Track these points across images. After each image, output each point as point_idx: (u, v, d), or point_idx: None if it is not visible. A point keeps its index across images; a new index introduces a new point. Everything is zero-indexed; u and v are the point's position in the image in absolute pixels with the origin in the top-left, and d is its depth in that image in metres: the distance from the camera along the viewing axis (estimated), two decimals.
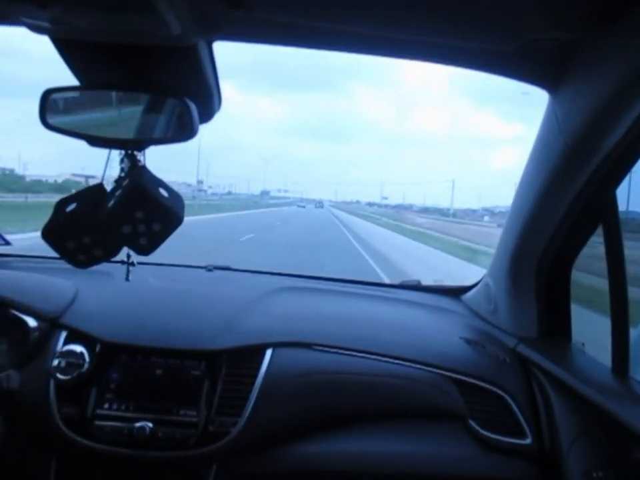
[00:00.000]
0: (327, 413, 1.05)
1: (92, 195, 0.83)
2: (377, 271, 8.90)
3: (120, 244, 0.83)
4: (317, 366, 1.08)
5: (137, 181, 0.78)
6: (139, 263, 0.94)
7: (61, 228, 0.82)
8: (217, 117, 0.90)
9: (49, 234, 0.81)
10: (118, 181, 0.80)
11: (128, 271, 0.90)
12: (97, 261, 0.85)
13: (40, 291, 1.21)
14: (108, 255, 0.85)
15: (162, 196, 0.79)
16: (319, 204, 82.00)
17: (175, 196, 0.82)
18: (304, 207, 70.41)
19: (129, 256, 0.87)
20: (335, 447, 1.03)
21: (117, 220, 0.79)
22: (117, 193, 0.78)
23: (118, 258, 0.88)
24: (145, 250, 0.82)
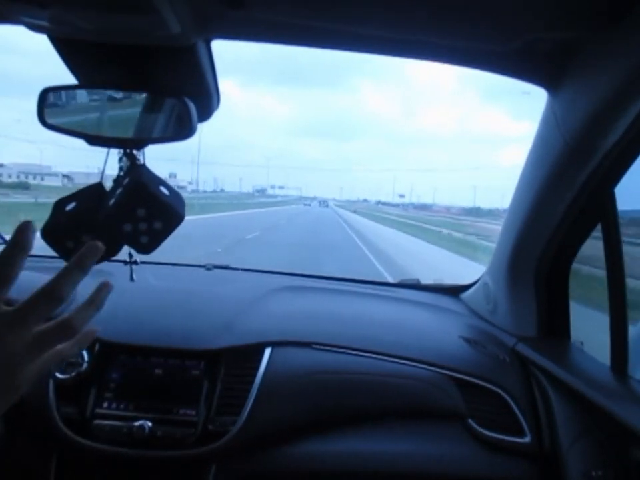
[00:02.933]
0: (326, 412, 1.05)
1: (91, 193, 0.83)
2: None
3: (120, 243, 0.83)
4: (317, 365, 1.08)
5: (137, 179, 0.78)
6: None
7: (60, 227, 0.81)
8: (216, 115, 0.90)
9: (48, 233, 0.81)
10: (117, 180, 0.80)
11: (132, 271, 0.90)
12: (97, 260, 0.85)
13: None
14: (108, 254, 0.84)
15: (163, 194, 0.79)
16: (324, 203, 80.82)
17: (175, 194, 0.82)
18: (309, 204, 69.84)
19: (131, 255, 0.87)
20: (335, 446, 1.03)
21: (118, 219, 0.78)
22: (118, 192, 0.78)
23: (118, 257, 0.88)
24: (146, 248, 0.82)
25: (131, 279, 0.90)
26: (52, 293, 0.51)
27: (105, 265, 0.90)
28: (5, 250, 0.50)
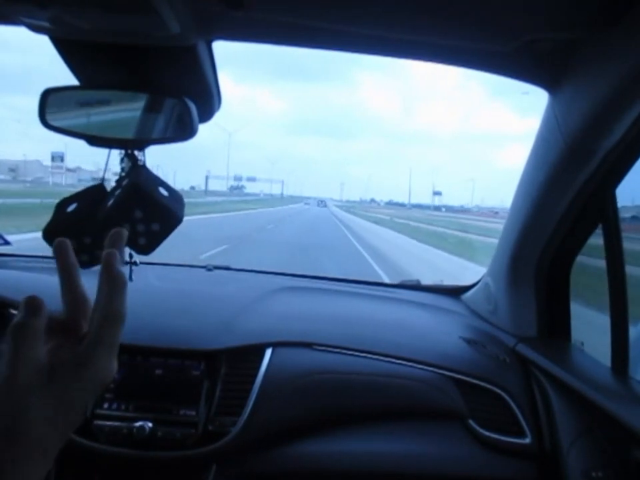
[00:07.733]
0: (326, 412, 1.05)
1: (93, 194, 0.83)
2: None
3: None
4: (317, 366, 1.08)
5: (135, 181, 0.78)
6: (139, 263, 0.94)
7: (62, 228, 0.81)
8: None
9: (50, 234, 0.81)
10: (118, 181, 0.80)
11: (131, 271, 0.90)
12: (99, 261, 0.85)
13: (40, 291, 1.21)
14: None
15: (161, 195, 0.79)
16: (322, 203, 79.73)
17: (175, 196, 0.82)
18: (309, 204, 68.69)
19: (131, 256, 0.87)
20: (335, 446, 1.03)
21: (115, 219, 0.79)
22: (116, 193, 0.78)
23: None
24: (144, 250, 0.82)
25: (130, 279, 0.90)
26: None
27: None
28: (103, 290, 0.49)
